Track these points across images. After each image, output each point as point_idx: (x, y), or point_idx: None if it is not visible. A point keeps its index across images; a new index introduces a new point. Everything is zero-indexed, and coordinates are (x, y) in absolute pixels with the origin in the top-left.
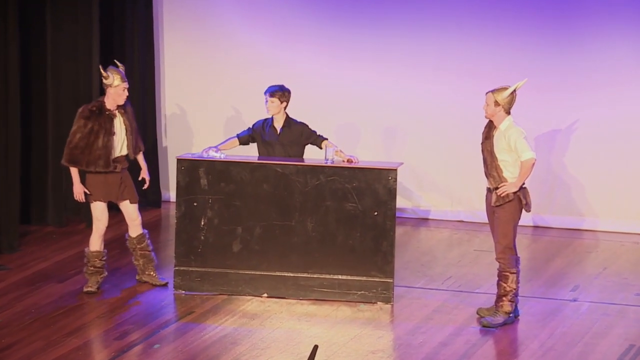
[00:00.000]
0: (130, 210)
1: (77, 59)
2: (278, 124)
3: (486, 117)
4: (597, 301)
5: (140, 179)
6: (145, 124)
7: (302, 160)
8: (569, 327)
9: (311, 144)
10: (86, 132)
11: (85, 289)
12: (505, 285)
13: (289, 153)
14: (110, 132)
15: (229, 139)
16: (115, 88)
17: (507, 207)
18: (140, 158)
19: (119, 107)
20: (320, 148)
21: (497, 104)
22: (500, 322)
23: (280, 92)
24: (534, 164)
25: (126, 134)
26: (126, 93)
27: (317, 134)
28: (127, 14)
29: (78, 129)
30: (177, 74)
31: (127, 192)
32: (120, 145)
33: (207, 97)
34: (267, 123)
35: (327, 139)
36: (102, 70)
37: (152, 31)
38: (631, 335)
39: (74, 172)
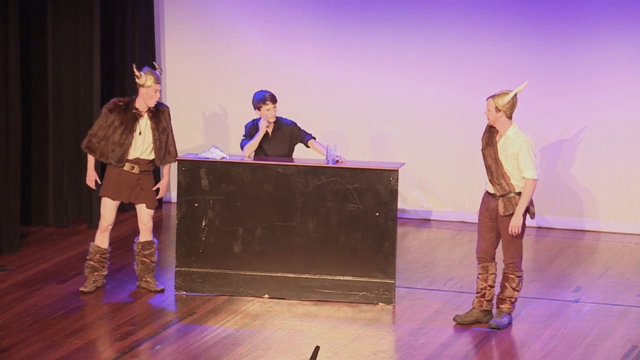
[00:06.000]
0: (143, 214)
1: (78, 58)
2: (269, 127)
3: (490, 123)
4: (599, 302)
5: (155, 188)
6: None
7: (303, 161)
8: (571, 329)
9: (299, 142)
10: (107, 123)
11: (80, 288)
12: (510, 287)
13: (280, 153)
14: (130, 130)
15: (245, 148)
16: (147, 89)
17: None
18: (166, 169)
19: (150, 109)
20: (307, 147)
21: (497, 109)
22: (506, 323)
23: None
24: (536, 183)
25: (152, 139)
26: (158, 95)
27: (305, 132)
28: (128, 14)
29: (100, 119)
30: (177, 74)
31: (144, 196)
32: (145, 147)
33: (208, 97)
34: (257, 125)
35: (314, 138)
36: (135, 70)
37: (153, 31)
38: (634, 336)
39: (90, 158)
